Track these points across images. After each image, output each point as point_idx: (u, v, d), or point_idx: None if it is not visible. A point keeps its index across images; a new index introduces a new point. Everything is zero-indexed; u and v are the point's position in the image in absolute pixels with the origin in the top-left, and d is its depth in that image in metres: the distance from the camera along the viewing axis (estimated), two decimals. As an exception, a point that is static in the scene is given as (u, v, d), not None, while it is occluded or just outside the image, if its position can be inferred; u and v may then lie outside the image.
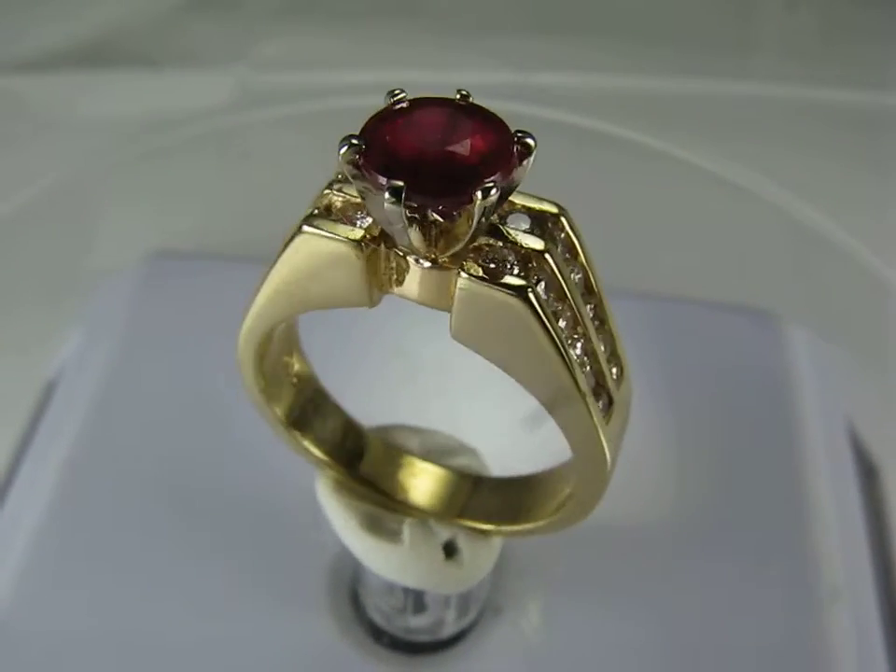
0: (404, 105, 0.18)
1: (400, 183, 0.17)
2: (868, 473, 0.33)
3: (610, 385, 0.21)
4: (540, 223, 0.19)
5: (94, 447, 0.32)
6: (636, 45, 0.52)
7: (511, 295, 0.18)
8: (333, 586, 0.29)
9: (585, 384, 0.19)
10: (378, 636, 0.28)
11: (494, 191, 0.17)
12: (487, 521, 0.25)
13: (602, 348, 0.20)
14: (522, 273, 0.18)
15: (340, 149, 0.17)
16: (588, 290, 0.20)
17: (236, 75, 0.50)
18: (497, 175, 0.17)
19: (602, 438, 0.20)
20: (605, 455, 0.20)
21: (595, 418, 0.20)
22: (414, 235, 0.17)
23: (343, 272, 0.19)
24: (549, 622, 0.29)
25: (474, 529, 0.25)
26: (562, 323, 0.19)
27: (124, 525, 0.30)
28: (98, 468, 0.32)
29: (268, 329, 0.22)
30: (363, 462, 0.26)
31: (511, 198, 0.19)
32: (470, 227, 0.17)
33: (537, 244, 0.18)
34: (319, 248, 0.19)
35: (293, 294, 0.20)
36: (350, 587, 0.29)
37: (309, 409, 0.26)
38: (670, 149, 0.39)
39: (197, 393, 0.33)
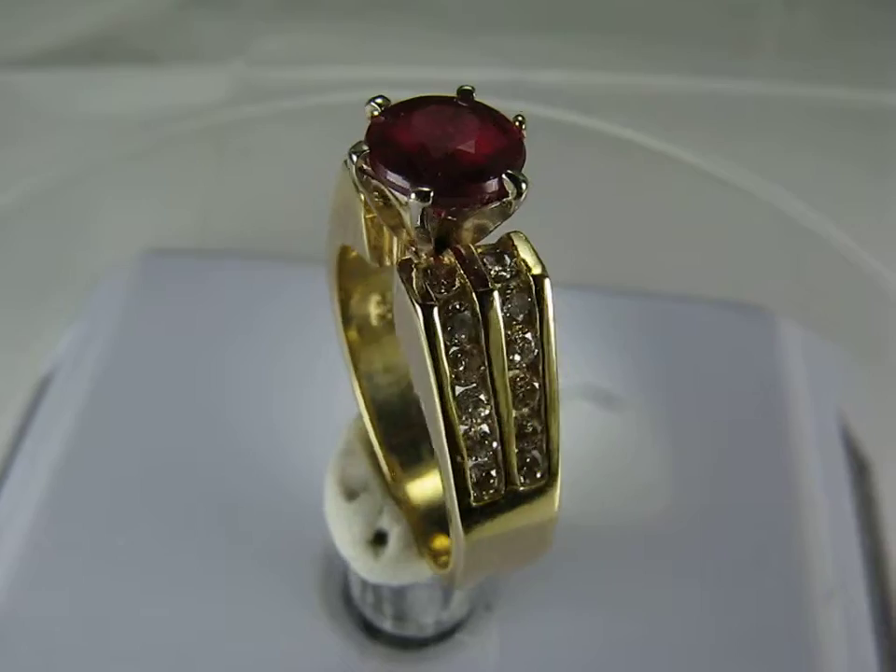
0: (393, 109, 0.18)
1: (426, 189, 0.17)
2: (861, 469, 0.33)
3: (512, 475, 0.19)
4: (516, 274, 0.18)
5: (88, 443, 0.32)
6: (634, 42, 0.52)
7: (416, 304, 0.17)
8: (324, 582, 0.29)
9: (461, 441, 0.18)
10: (369, 631, 0.28)
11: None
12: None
13: (527, 434, 0.18)
14: (443, 295, 0.17)
15: (350, 156, 0.17)
16: (535, 369, 0.18)
17: (235, 71, 0.50)
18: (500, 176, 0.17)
19: (457, 526, 0.18)
20: (458, 542, 0.19)
21: (453, 493, 0.18)
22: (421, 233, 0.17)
23: (354, 216, 0.19)
24: (538, 619, 0.29)
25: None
26: (464, 363, 0.18)
27: (117, 522, 0.30)
28: (92, 464, 0.32)
29: (337, 246, 0.22)
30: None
31: (514, 247, 0.18)
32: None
33: (486, 285, 0.18)
34: (346, 185, 0.19)
35: (341, 220, 0.20)
36: (341, 583, 0.29)
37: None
38: (667, 147, 0.39)
39: (191, 390, 0.33)
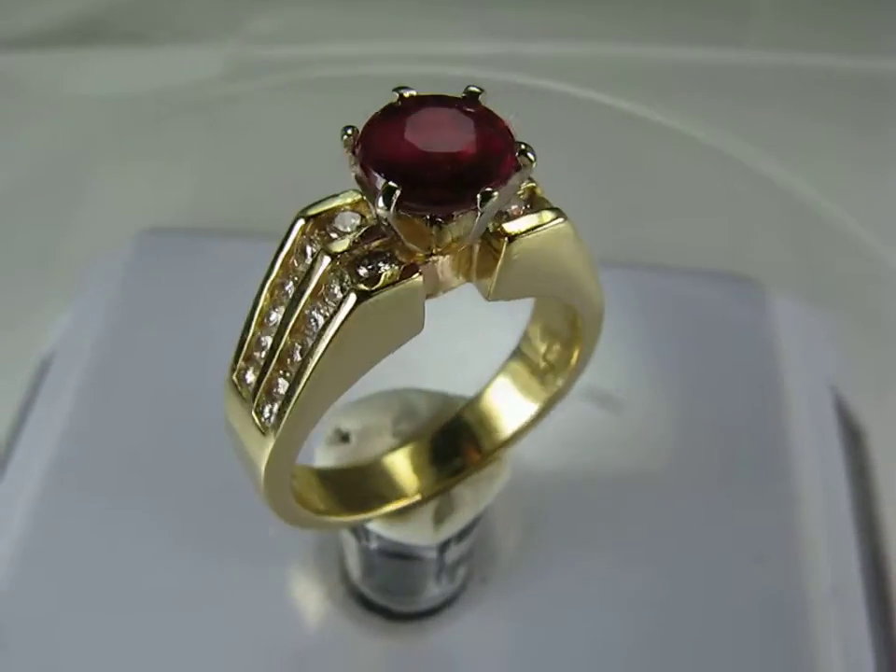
0: (402, 103, 0.18)
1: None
2: (854, 438, 0.33)
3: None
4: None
5: (90, 423, 0.33)
6: (628, 12, 0.52)
7: (558, 226, 0.19)
8: (321, 555, 0.30)
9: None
10: (366, 604, 0.29)
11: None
12: (503, 434, 0.26)
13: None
14: (540, 207, 0.19)
15: (379, 204, 0.17)
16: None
17: (229, 50, 0.50)
18: (496, 181, 0.17)
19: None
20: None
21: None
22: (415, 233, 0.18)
23: (403, 311, 0.18)
24: (534, 591, 0.29)
25: (498, 454, 0.26)
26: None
27: (120, 499, 0.31)
28: (94, 442, 0.32)
29: (307, 433, 0.20)
30: (401, 484, 0.26)
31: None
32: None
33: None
34: (381, 307, 0.18)
35: (340, 378, 0.19)
36: (338, 556, 0.30)
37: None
38: (660, 118, 0.39)
39: (190, 367, 0.33)
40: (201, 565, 0.29)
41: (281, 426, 0.19)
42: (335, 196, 0.19)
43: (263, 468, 0.20)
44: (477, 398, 0.26)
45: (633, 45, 0.50)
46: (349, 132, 0.18)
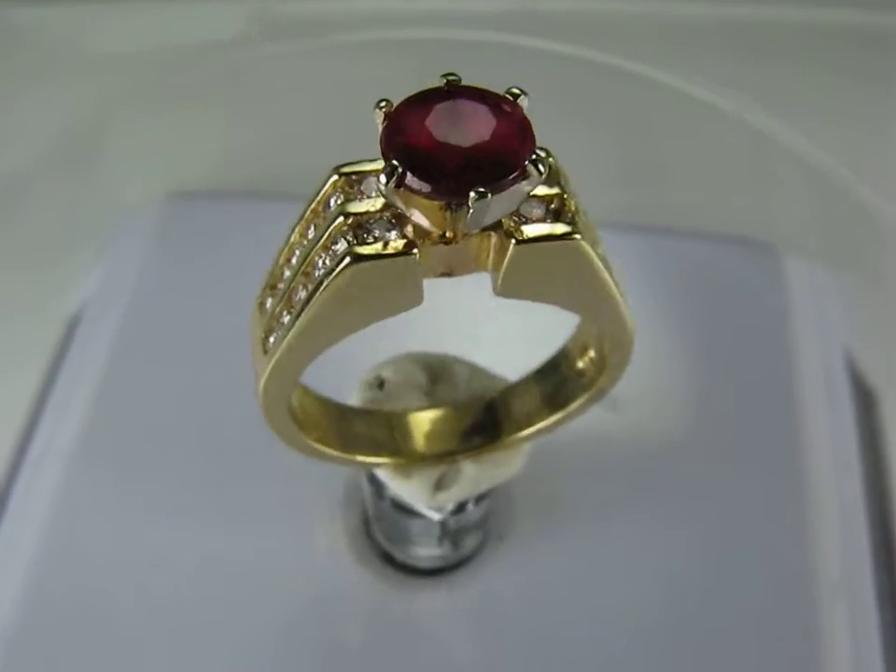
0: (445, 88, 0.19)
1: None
2: (867, 401, 0.34)
3: (621, 283, 0.22)
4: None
5: (119, 384, 0.33)
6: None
7: (566, 242, 0.19)
8: (345, 510, 0.31)
9: (625, 304, 0.22)
10: (386, 558, 0.30)
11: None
12: (527, 425, 0.26)
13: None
14: (560, 220, 0.19)
15: (380, 180, 0.18)
16: (583, 212, 0.21)
17: (251, 3, 0.50)
18: (497, 184, 0.18)
19: (633, 333, 0.23)
20: (633, 340, 0.23)
21: (631, 327, 0.22)
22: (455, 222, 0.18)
23: (399, 283, 0.19)
24: (550, 548, 0.30)
25: (517, 441, 0.26)
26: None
27: (150, 456, 0.32)
28: (123, 404, 0.33)
29: (303, 366, 0.22)
30: (414, 442, 0.27)
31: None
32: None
33: (552, 189, 0.20)
34: (373, 272, 0.19)
35: (332, 327, 0.20)
36: (361, 512, 0.31)
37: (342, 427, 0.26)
38: (671, 79, 0.39)
39: (218, 328, 0.34)
40: (223, 519, 0.30)
41: (277, 353, 0.21)
42: (372, 160, 0.20)
43: (262, 384, 0.22)
44: (513, 386, 0.27)
45: (648, 2, 0.49)
46: (383, 104, 0.18)
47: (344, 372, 0.26)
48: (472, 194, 0.17)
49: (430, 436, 0.26)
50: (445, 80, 0.19)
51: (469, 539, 0.29)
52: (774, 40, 0.47)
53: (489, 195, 0.17)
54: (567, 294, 0.21)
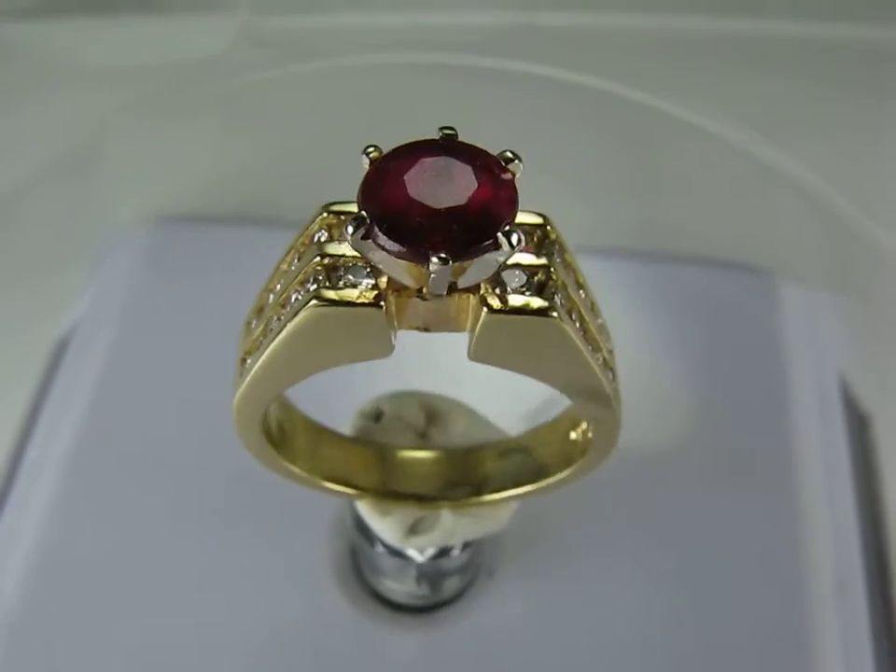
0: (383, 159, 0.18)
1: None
2: (860, 424, 0.34)
3: (610, 360, 0.21)
4: (531, 235, 0.19)
5: (108, 408, 0.33)
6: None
7: (540, 318, 0.18)
8: (333, 547, 0.30)
9: (608, 384, 0.20)
10: (375, 596, 0.30)
11: (515, 237, 0.17)
12: (514, 486, 0.26)
13: (599, 333, 0.21)
14: (540, 294, 0.19)
15: (347, 230, 0.17)
16: (578, 284, 0.20)
17: (240, 19, 0.49)
18: (508, 221, 0.17)
19: (618, 415, 0.21)
20: (619, 422, 0.22)
21: (615, 408, 0.21)
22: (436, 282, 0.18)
23: (364, 332, 0.19)
24: (541, 585, 0.30)
25: (500, 500, 0.26)
26: (578, 327, 0.19)
27: (141, 477, 0.32)
28: (110, 431, 0.33)
29: (273, 393, 0.22)
30: (397, 479, 0.26)
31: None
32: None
33: (540, 259, 0.19)
34: (336, 318, 0.19)
35: (297, 362, 0.20)
36: (349, 550, 0.30)
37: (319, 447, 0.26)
38: (661, 104, 0.39)
39: (205, 355, 0.33)
40: (212, 558, 0.30)
41: (248, 376, 0.21)
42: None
43: (234, 403, 0.22)
44: (506, 444, 0.27)
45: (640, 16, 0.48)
46: (371, 151, 0.18)
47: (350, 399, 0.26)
48: (434, 259, 0.17)
49: (415, 476, 0.26)
50: (441, 133, 0.18)
51: (449, 583, 0.29)
52: (768, 56, 0.47)
53: (450, 262, 0.17)
54: (546, 369, 0.20)
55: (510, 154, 0.18)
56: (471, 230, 0.17)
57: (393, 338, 0.19)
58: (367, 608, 0.30)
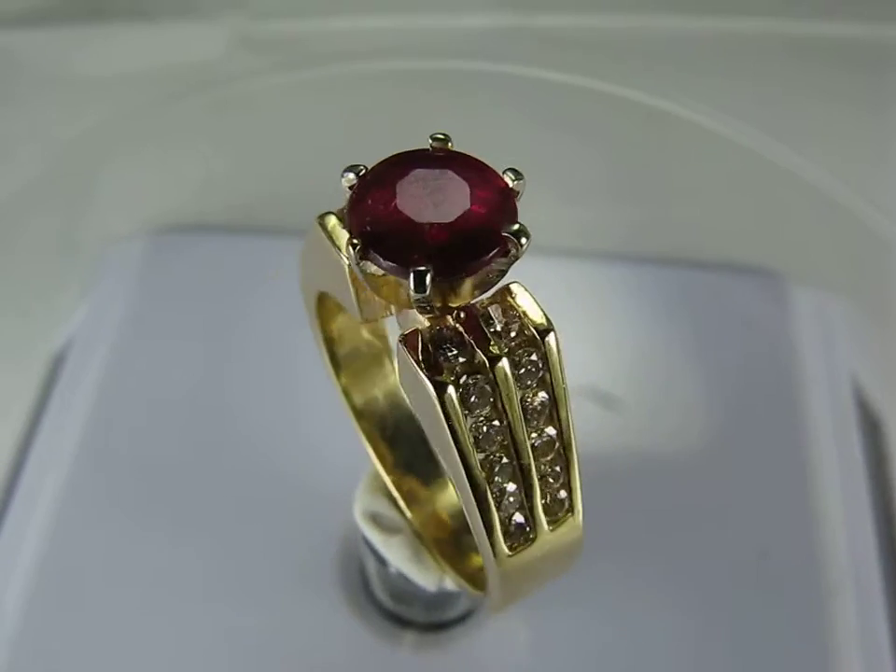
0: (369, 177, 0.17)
1: (424, 268, 0.16)
2: (873, 427, 0.33)
3: (539, 520, 0.19)
4: (521, 330, 0.18)
5: (107, 421, 0.33)
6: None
7: (429, 384, 0.17)
8: (342, 564, 0.30)
9: (491, 503, 0.18)
10: (384, 614, 0.29)
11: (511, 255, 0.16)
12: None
13: (549, 480, 0.19)
14: (455, 368, 0.17)
15: (347, 250, 0.17)
16: (549, 417, 0.18)
17: (235, 25, 0.49)
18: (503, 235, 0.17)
19: (494, 566, 0.19)
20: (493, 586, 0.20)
21: (494, 541, 0.19)
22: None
23: (336, 271, 0.19)
24: (549, 606, 0.29)
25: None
26: (483, 431, 0.18)
27: (139, 495, 0.31)
28: (109, 443, 0.32)
29: (314, 292, 0.22)
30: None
31: (514, 299, 0.18)
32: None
33: (493, 349, 0.17)
34: (323, 245, 0.19)
35: (319, 269, 0.20)
36: (358, 568, 0.30)
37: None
38: (669, 105, 0.38)
39: (204, 365, 0.33)
40: (217, 581, 0.30)
41: None
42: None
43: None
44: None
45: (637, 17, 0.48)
46: (360, 171, 0.17)
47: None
48: (412, 273, 0.16)
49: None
50: (433, 141, 0.17)
51: (457, 603, 0.28)
52: (769, 56, 0.46)
53: (427, 278, 0.16)
54: (433, 440, 0.19)
55: (512, 175, 0.17)
56: (461, 247, 0.16)
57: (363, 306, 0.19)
58: (374, 623, 0.29)
